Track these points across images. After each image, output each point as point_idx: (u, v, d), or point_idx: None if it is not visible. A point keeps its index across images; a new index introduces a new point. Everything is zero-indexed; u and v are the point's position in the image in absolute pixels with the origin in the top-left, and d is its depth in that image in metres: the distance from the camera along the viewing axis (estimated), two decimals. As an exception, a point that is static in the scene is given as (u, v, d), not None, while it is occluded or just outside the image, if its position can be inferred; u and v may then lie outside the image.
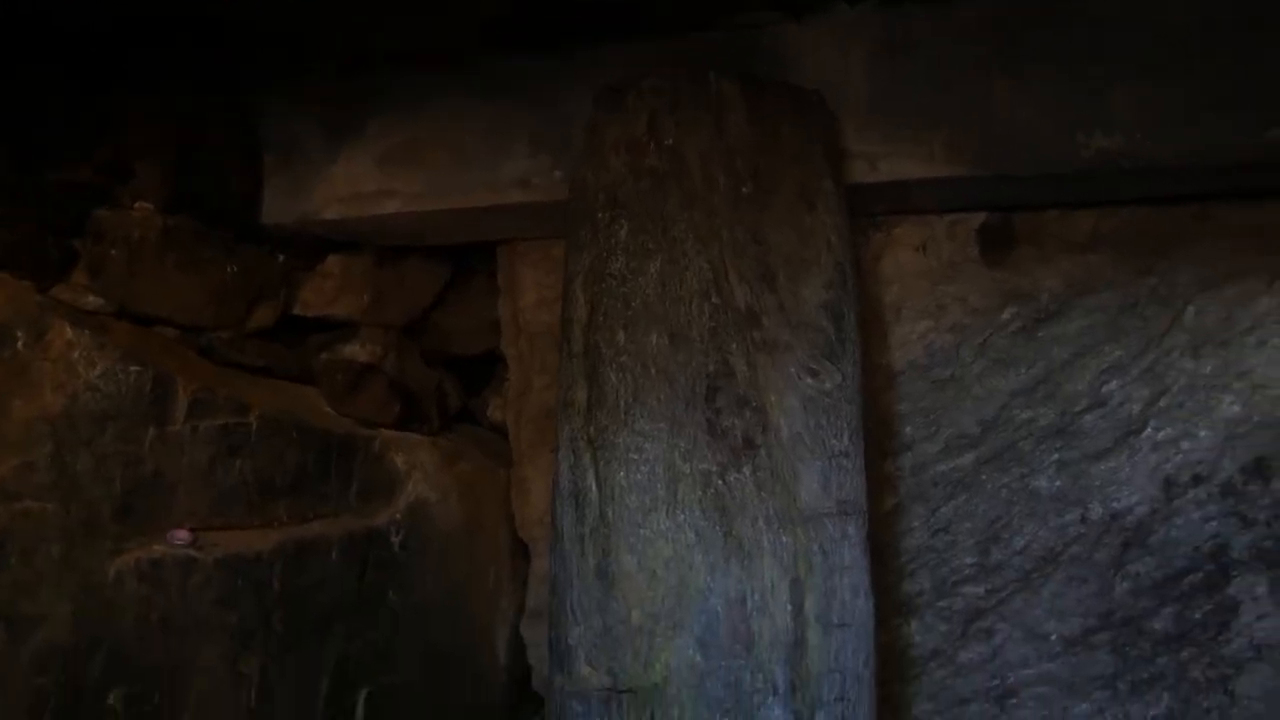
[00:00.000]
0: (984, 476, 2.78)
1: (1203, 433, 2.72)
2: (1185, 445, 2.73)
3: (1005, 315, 2.77)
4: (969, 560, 2.79)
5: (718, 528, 2.25)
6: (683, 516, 2.25)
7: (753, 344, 2.31)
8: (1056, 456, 2.76)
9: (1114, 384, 2.74)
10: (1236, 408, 2.71)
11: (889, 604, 2.83)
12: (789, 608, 2.26)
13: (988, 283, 2.77)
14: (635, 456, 2.25)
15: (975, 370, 2.78)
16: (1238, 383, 2.71)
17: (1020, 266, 2.76)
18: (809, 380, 2.33)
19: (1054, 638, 2.77)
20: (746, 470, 2.28)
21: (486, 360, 3.35)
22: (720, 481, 2.27)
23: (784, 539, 2.28)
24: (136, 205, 2.49)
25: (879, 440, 2.80)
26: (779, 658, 2.25)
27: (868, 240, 2.81)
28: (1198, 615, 2.72)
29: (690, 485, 2.26)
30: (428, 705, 2.77)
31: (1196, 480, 2.72)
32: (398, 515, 2.78)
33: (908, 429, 2.80)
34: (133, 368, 2.26)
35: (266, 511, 2.50)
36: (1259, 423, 2.70)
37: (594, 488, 2.26)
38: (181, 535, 2.35)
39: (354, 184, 2.77)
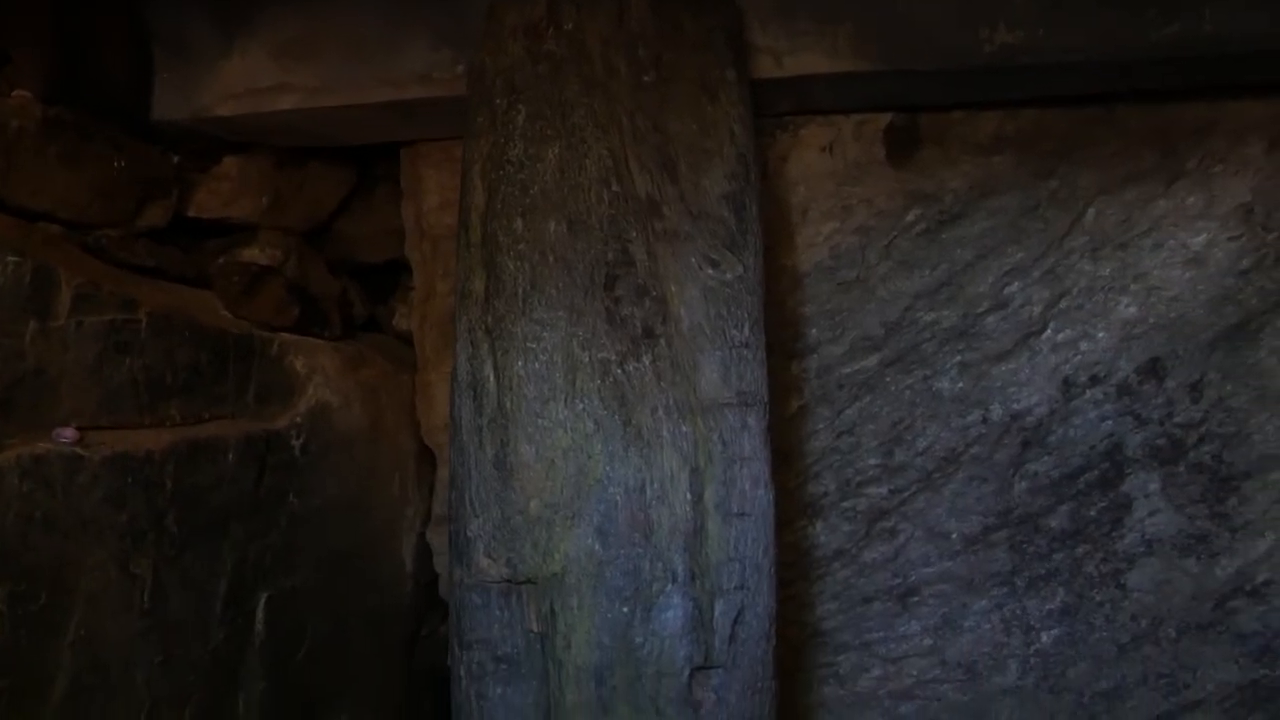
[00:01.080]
0: (888, 378, 2.80)
1: (1100, 334, 2.76)
2: (1084, 346, 2.77)
3: (910, 217, 2.77)
4: (873, 461, 2.81)
5: (617, 417, 2.24)
6: (581, 406, 2.24)
7: (653, 233, 2.29)
8: (959, 358, 2.78)
9: (1015, 286, 2.76)
10: (1133, 309, 2.75)
11: (794, 505, 2.85)
12: (689, 497, 2.26)
13: (893, 184, 2.77)
14: (533, 346, 2.23)
15: (880, 272, 2.78)
16: (1135, 285, 2.75)
17: (925, 168, 2.77)
18: (710, 271, 2.31)
19: (954, 536, 2.81)
20: (646, 359, 2.26)
21: (393, 268, 3.29)
22: (619, 370, 2.25)
23: (684, 429, 2.27)
24: (14, 93, 2.38)
25: (784, 343, 2.81)
26: (678, 546, 2.25)
27: (774, 141, 2.79)
28: (1093, 512, 2.78)
29: (589, 374, 2.24)
30: (330, 609, 2.74)
31: (1094, 381, 2.77)
32: (298, 419, 2.72)
33: (813, 331, 2.80)
34: (10, 258, 2.17)
35: (157, 411, 2.43)
36: (1154, 324, 2.75)
37: (491, 378, 2.24)
38: (67, 434, 2.27)
39: (249, 79, 2.68)
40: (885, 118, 2.77)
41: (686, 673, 2.26)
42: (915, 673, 2.84)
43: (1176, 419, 2.75)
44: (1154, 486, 2.76)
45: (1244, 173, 2.70)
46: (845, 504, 2.83)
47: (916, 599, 2.83)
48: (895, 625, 2.84)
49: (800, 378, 2.81)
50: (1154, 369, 2.75)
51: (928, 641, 2.83)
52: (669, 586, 2.25)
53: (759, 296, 2.37)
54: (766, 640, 2.36)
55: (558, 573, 2.22)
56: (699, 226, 2.32)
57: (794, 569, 2.85)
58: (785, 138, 2.80)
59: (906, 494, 2.81)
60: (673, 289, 2.29)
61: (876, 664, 2.85)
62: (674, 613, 2.25)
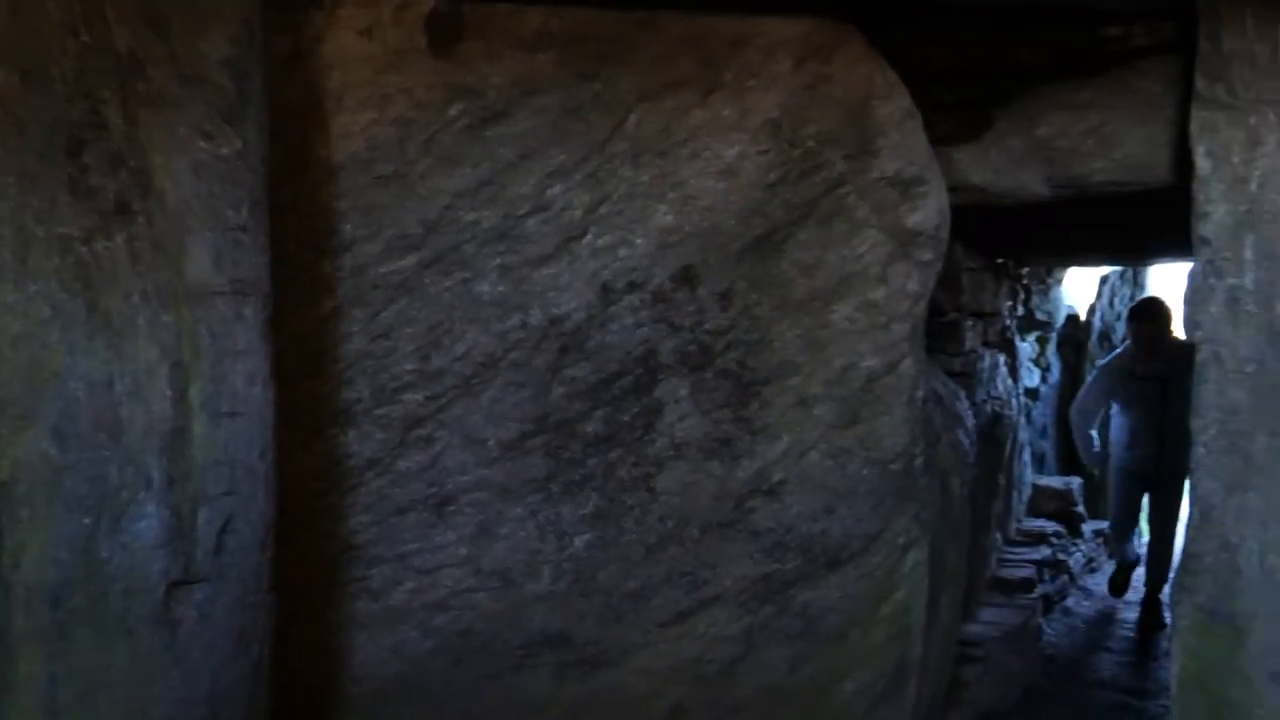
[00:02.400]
0: (426, 280, 2.69)
1: (639, 241, 2.77)
2: (623, 253, 2.77)
3: (452, 111, 2.66)
4: (409, 367, 2.70)
5: (80, 301, 1.99)
6: (35, 288, 1.96)
7: (134, 96, 2.04)
8: (499, 261, 2.72)
9: (557, 189, 2.72)
10: (670, 217, 2.78)
11: (325, 412, 2.69)
12: (169, 394, 2.05)
13: (435, 76, 2.64)
14: (-27, 217, 1.92)
15: (420, 168, 2.66)
16: (672, 193, 2.78)
17: (469, 61, 2.65)
18: (203, 143, 2.10)
19: (492, 443, 2.76)
20: (120, 238, 2.02)
21: None
22: (85, 249, 1.99)
23: (165, 318, 2.05)
24: None
25: (316, 239, 2.63)
26: (154, 449, 2.04)
27: (308, 19, 2.59)
28: (626, 417, 2.81)
29: (45, 252, 1.97)
30: None
31: (631, 287, 2.78)
32: None
33: (347, 227, 2.64)
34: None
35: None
36: (689, 232, 2.79)
37: (-79, 252, 1.92)
38: None
39: None
40: (428, 3, 2.64)
41: (162, 589, 2.06)
42: (450, 583, 2.78)
43: (707, 326, 2.82)
44: (684, 392, 2.82)
45: (774, 88, 2.78)
46: (380, 411, 2.70)
47: (452, 508, 2.76)
48: (431, 536, 2.77)
49: (333, 276, 2.65)
50: (687, 277, 2.80)
51: (463, 551, 2.78)
52: (142, 494, 2.04)
53: (262, 176, 2.18)
54: (261, 550, 2.21)
55: (6, 481, 1.95)
56: (192, 93, 2.09)
57: (325, 479, 2.70)
58: (320, 16, 2.60)
59: (444, 400, 2.72)
60: (157, 160, 2.05)
61: (411, 576, 2.77)
62: (148, 523, 2.05)
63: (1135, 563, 6.08)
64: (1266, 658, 2.37)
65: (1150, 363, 5.41)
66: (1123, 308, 7.58)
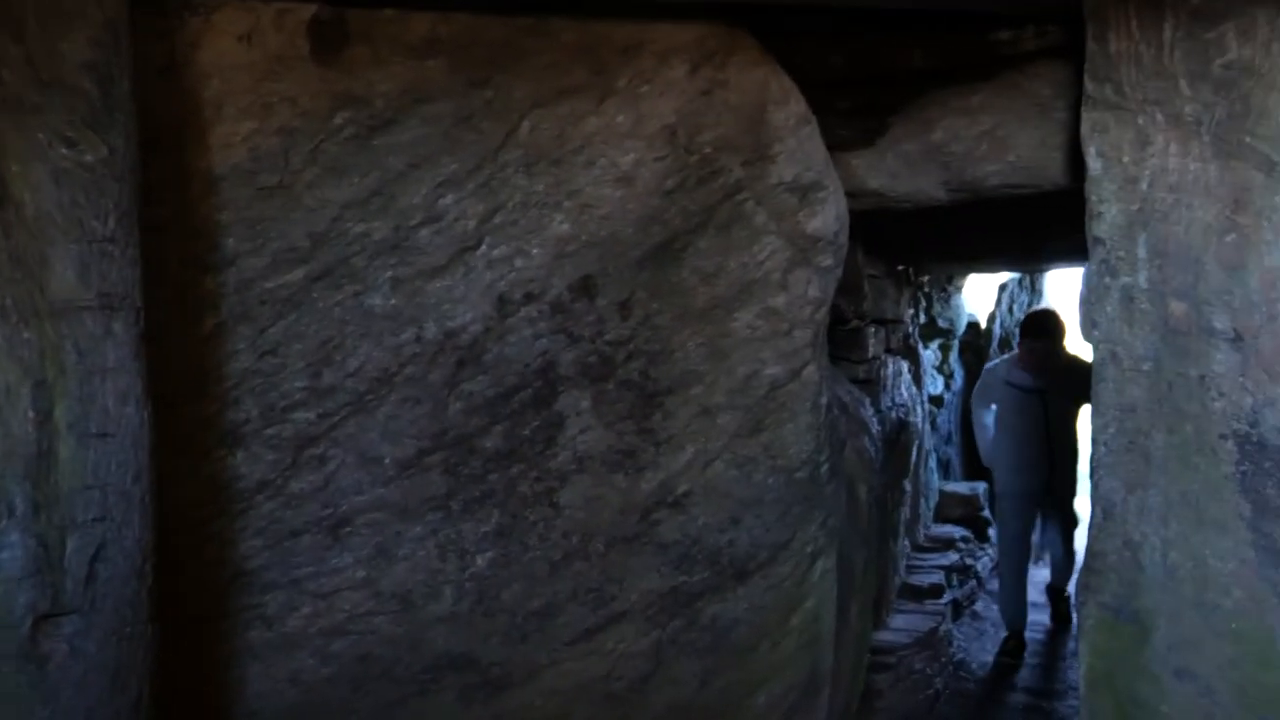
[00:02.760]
0: (315, 294, 2.60)
1: (535, 251, 2.72)
2: (519, 263, 2.71)
3: (338, 120, 2.57)
4: (299, 384, 2.60)
5: (-71, 322, 1.86)
6: (-120, 309, 1.83)
7: (-13, 103, 1.93)
8: (391, 273, 2.64)
9: (450, 198, 2.65)
10: (566, 226, 2.73)
11: (211, 434, 2.58)
12: (31, 415, 1.94)
13: (319, 83, 2.56)
14: None
15: (306, 178, 2.57)
16: (568, 201, 2.73)
17: (354, 68, 2.58)
18: (65, 150, 1.99)
19: (388, 461, 2.68)
20: (-26, 254, 1.90)
21: None
22: (-65, 267, 1.87)
23: (26, 334, 1.94)
24: None
25: (198, 254, 2.52)
26: (16, 474, 1.93)
27: (183, 24, 2.49)
28: (527, 431, 2.74)
29: (-111, 270, 1.84)
30: None
31: (528, 298, 2.72)
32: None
33: (230, 241, 2.53)
34: None
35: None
36: (587, 242, 2.74)
37: None
38: None
39: None
40: (309, 9, 2.55)
41: (29, 622, 1.95)
42: (348, 607, 2.68)
43: (607, 337, 2.77)
44: (585, 404, 2.77)
45: (669, 95, 2.75)
46: (269, 431, 2.60)
47: (349, 529, 2.67)
48: (326, 558, 2.66)
49: (217, 292, 2.54)
50: (586, 287, 2.75)
51: (361, 573, 2.68)
52: (4, 522, 1.93)
53: (131, 185, 2.09)
54: (138, 578, 2.10)
55: None
56: (52, 97, 1.99)
57: (213, 505, 2.59)
58: (196, 22, 2.50)
59: (337, 418, 2.63)
60: (14, 169, 1.95)
61: (307, 601, 2.66)
62: (11, 553, 1.94)
63: (1021, 633, 5.41)
64: (1171, 654, 2.39)
65: (1031, 375, 5.17)
66: (1021, 314, 7.73)
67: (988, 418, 5.59)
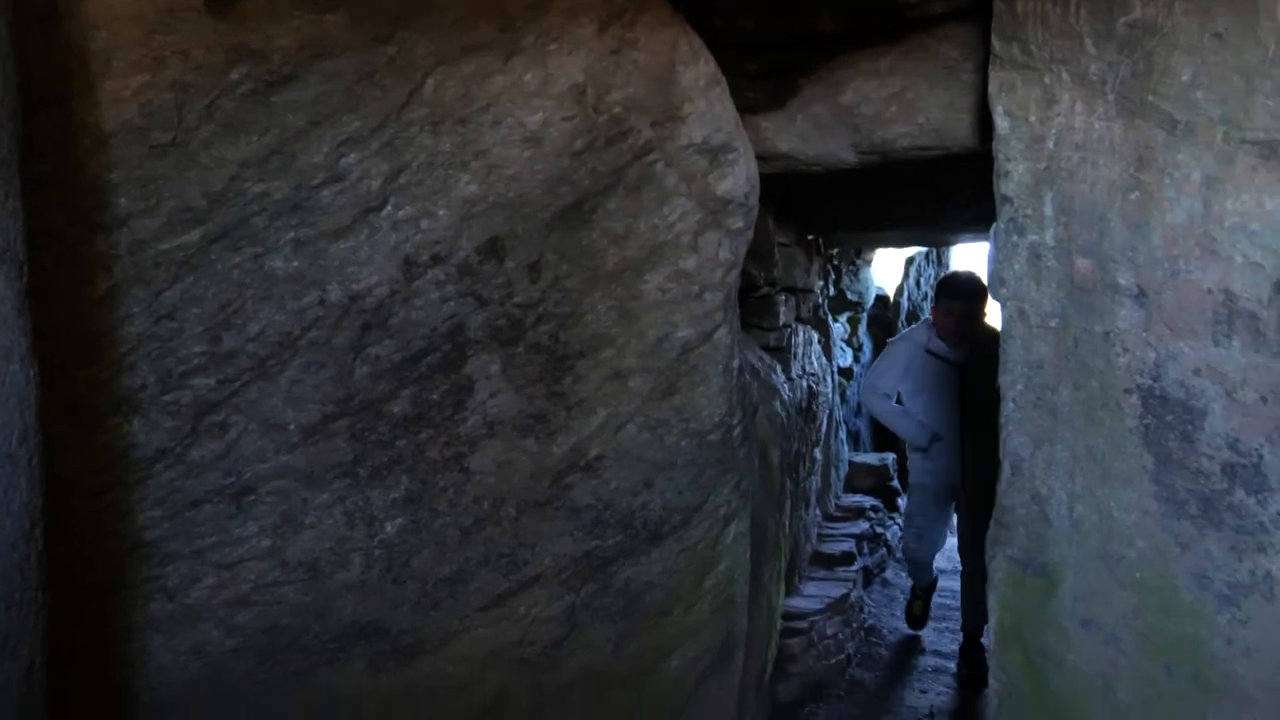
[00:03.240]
0: (213, 256, 2.51)
1: (441, 212, 2.67)
2: (425, 225, 2.66)
3: (234, 75, 2.49)
4: (198, 349, 2.52)
5: None
6: None
7: None
8: (292, 234, 2.57)
9: (352, 157, 2.58)
10: (474, 187, 2.68)
11: (106, 400, 2.49)
12: (-94, 379, 1.84)
13: (213, 36, 2.47)
14: None
15: (201, 136, 2.48)
16: (475, 162, 2.68)
17: (250, 21, 2.49)
18: (-64, 101, 1.88)
19: (293, 428, 2.61)
20: None
21: None
22: None
23: (-102, 296, 1.83)
24: None
25: (88, 213, 2.43)
26: (-116, 440, 1.82)
27: (69, -25, 2.37)
28: (435, 396, 2.70)
29: None
30: None
31: (435, 260, 2.67)
32: None
33: (122, 201, 2.44)
34: None
35: None
36: (494, 203, 2.70)
37: None
38: None
39: None
40: (201, -41, 2.45)
41: (-91, 591, 1.84)
42: (253, 577, 2.62)
43: (516, 299, 2.74)
44: (495, 368, 2.73)
45: (577, 53, 2.71)
46: (167, 397, 2.52)
47: (253, 498, 2.60)
48: (230, 528, 2.59)
49: (108, 254, 2.45)
50: (494, 249, 2.71)
51: (266, 542, 2.62)
52: (-119, 488, 1.82)
53: (11, 133, 1.98)
54: (27, 543, 2.00)
55: None
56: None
57: (108, 473, 2.50)
58: (82, -29, 2.38)
59: (238, 384, 2.56)
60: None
61: (210, 572, 2.59)
62: (-112, 520, 1.82)
63: (933, 584, 5.22)
64: (1078, 605, 2.44)
65: (951, 345, 4.66)
66: (929, 288, 7.86)
67: (888, 394, 4.88)
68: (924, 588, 5.19)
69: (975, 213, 4.38)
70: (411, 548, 2.70)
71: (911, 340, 4.86)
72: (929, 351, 4.73)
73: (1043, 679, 2.49)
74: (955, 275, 4.94)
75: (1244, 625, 2.15)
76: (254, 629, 2.61)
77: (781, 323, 4.60)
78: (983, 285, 4.42)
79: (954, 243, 7.22)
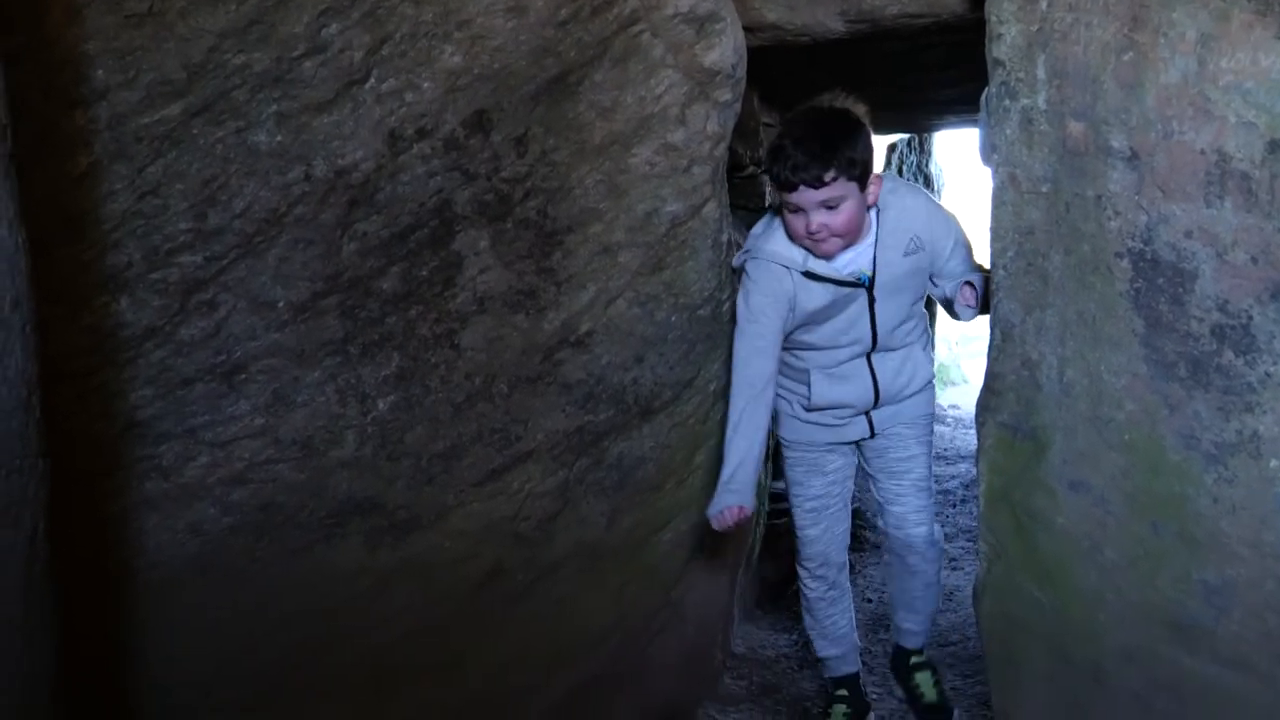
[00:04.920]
0: (195, 130, 2.47)
1: (425, 84, 2.62)
2: (409, 98, 2.62)
3: (209, -58, 2.40)
4: (184, 226, 2.49)
5: None
6: None
7: None
8: (275, 108, 2.52)
9: (334, 28, 2.52)
10: (457, 59, 2.63)
11: (91, 280, 2.46)
12: (-109, 247, 1.80)
13: (185, -99, 2.38)
14: None
15: (178, 5, 2.42)
16: (458, 32, 2.63)
17: (222, -115, 2.40)
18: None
19: (282, 305, 2.60)
20: None
21: None
22: None
23: (-122, 163, 1.79)
24: None
25: (63, 85, 2.37)
26: None
27: None
28: (424, 272, 2.69)
29: None
30: None
31: (421, 134, 2.64)
32: None
33: (100, 73, 2.38)
34: None
35: None
36: (479, 75, 2.65)
37: None
38: None
39: None
40: None
41: (-93, 462, 1.84)
42: (247, 455, 2.63)
43: (503, 174, 2.71)
44: (484, 244, 2.72)
45: (559, -82, 2.63)
46: (155, 275, 2.49)
47: (244, 376, 2.60)
48: (222, 406, 2.59)
49: (88, 129, 2.40)
50: (480, 122, 2.67)
51: (259, 421, 2.62)
52: None
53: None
54: (25, 410, 1.99)
55: None
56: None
57: (98, 354, 2.48)
58: None
59: (225, 261, 2.53)
60: None
61: (204, 451, 2.60)
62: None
63: (856, 676, 3.31)
64: (1067, 468, 2.47)
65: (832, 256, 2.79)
66: (910, 176, 7.82)
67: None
68: (848, 679, 3.31)
69: (960, 92, 4.35)
70: (404, 424, 2.71)
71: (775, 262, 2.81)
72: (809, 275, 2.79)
73: (1032, 540, 2.54)
74: (789, 135, 2.75)
75: (1230, 484, 2.19)
76: (250, 506, 2.62)
77: (767, 203, 4.57)
78: (846, 139, 2.69)
79: (938, 128, 7.16)
